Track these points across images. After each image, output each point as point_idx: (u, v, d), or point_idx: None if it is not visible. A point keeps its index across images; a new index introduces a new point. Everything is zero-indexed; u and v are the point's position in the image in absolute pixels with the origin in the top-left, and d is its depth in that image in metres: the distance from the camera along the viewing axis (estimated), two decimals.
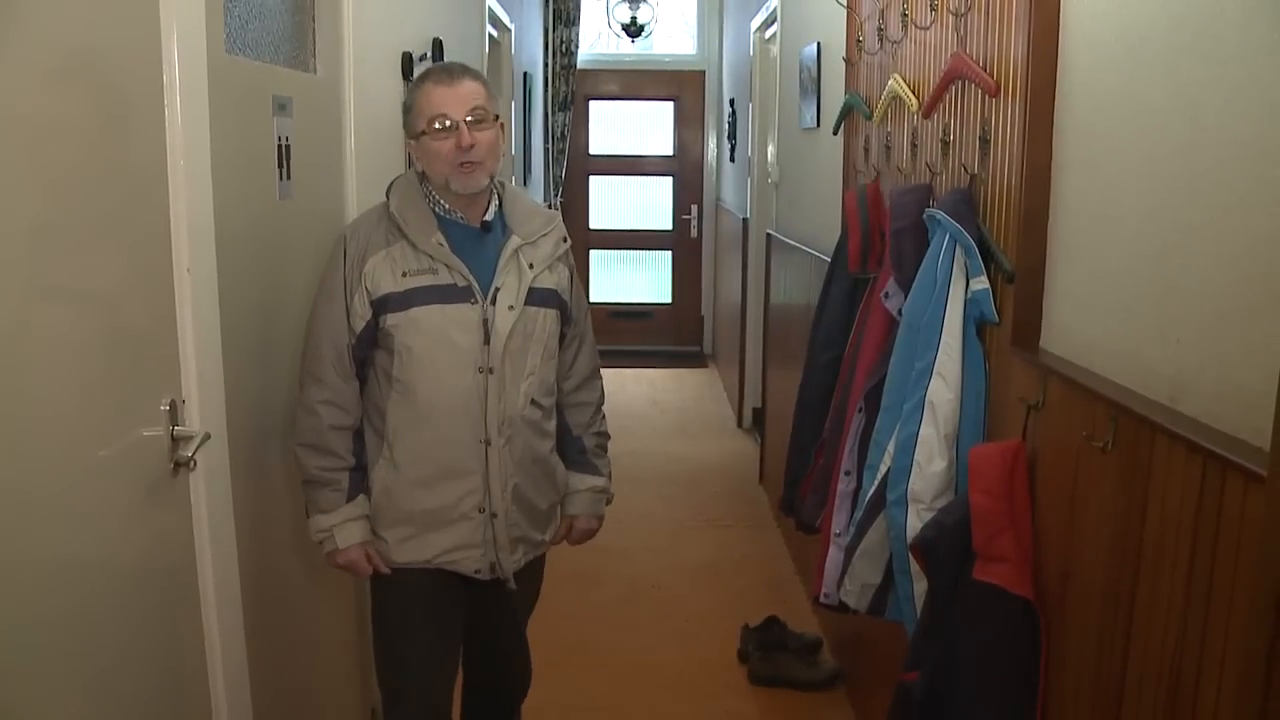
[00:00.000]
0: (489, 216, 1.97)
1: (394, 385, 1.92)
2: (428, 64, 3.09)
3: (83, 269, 1.40)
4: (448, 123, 1.86)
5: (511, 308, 1.93)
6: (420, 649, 2.01)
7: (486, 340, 1.91)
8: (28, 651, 1.27)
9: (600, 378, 2.21)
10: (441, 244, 1.91)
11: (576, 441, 2.16)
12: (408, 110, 1.94)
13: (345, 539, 1.94)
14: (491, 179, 1.95)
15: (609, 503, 2.23)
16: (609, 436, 2.24)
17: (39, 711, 1.30)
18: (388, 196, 1.98)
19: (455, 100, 1.87)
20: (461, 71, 1.92)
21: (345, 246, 1.94)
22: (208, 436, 1.65)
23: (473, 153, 1.87)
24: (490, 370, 1.91)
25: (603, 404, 2.22)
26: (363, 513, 1.96)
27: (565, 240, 2.05)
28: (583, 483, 2.17)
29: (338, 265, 1.93)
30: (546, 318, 1.99)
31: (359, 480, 1.96)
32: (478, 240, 1.96)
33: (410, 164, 2.02)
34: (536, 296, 1.97)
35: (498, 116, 1.93)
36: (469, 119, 1.87)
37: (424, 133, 1.89)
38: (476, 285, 1.91)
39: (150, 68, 1.55)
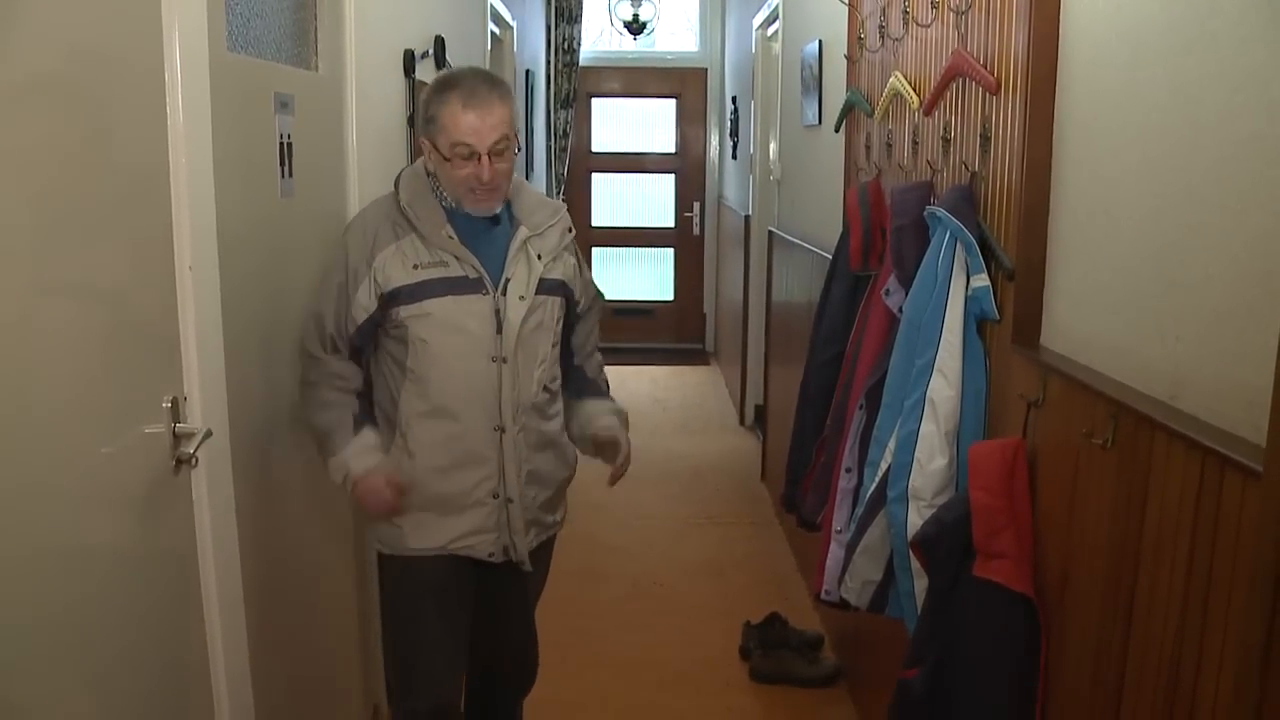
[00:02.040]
0: (497, 209, 1.98)
1: (407, 375, 1.94)
2: (430, 62, 3.10)
3: (85, 267, 1.40)
4: (470, 152, 1.85)
5: (522, 298, 1.95)
6: (431, 639, 2.02)
7: (499, 330, 1.93)
8: (31, 647, 1.28)
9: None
10: (451, 236, 1.93)
11: (578, 371, 2.18)
12: (430, 120, 1.89)
13: (360, 465, 1.93)
14: None
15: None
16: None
17: (42, 707, 1.31)
18: (395, 189, 1.98)
19: (484, 130, 1.84)
20: (489, 93, 1.86)
21: (352, 238, 1.96)
22: (209, 433, 1.65)
23: (490, 182, 1.88)
24: (504, 359, 1.93)
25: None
26: (373, 443, 1.96)
27: (570, 230, 2.08)
28: (603, 406, 2.18)
29: (341, 256, 1.95)
30: (554, 305, 2.03)
31: (364, 421, 1.97)
32: (486, 232, 1.98)
33: (413, 157, 2.02)
34: (545, 286, 2.00)
35: (515, 135, 1.92)
36: (492, 150, 1.86)
37: (446, 159, 1.87)
38: (487, 276, 1.94)
39: (152, 66, 1.55)
